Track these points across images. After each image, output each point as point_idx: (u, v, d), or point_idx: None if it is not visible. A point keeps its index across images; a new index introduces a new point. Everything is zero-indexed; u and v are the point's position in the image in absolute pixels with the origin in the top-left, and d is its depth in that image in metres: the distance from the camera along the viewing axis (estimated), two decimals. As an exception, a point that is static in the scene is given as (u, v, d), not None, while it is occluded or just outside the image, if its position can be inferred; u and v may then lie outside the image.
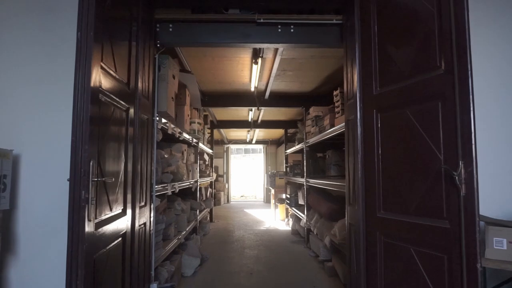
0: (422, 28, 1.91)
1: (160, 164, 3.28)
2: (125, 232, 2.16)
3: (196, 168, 5.31)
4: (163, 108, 2.91)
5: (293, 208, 6.49)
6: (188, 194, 5.28)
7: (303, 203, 5.72)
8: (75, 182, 1.49)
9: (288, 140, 8.41)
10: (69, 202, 1.49)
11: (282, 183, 8.31)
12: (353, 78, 2.52)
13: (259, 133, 11.07)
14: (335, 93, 3.95)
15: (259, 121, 7.86)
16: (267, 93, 5.45)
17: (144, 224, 2.57)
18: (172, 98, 3.14)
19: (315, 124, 4.90)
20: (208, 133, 7.98)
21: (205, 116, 6.70)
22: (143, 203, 2.54)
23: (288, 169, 7.43)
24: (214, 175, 11.75)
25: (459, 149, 1.66)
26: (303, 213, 5.49)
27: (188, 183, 4.68)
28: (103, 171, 1.78)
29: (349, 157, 2.63)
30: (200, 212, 5.84)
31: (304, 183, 5.40)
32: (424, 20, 1.90)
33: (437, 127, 1.79)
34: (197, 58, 3.93)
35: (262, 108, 6.08)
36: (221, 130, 9.60)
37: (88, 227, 1.55)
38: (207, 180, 6.83)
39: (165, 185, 3.31)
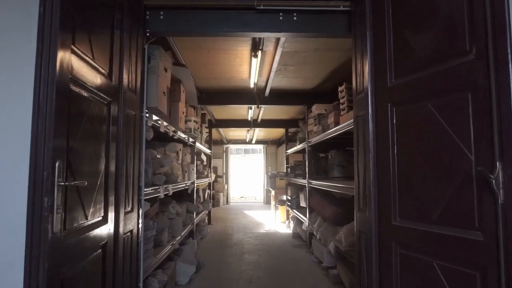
0: (447, 6, 1.65)
1: (151, 164, 3.02)
2: (106, 242, 1.90)
3: (193, 169, 5.05)
4: (153, 104, 2.65)
5: (294, 211, 6.23)
6: (184, 196, 5.02)
7: (305, 206, 5.46)
8: (35, 187, 1.23)
9: (289, 140, 8.15)
10: (27, 211, 1.23)
11: (282, 184, 8.05)
12: (364, 70, 2.26)
13: (259, 133, 10.81)
14: (340, 88, 3.69)
15: (259, 120, 7.61)
16: (267, 90, 5.19)
17: (131, 231, 2.31)
18: (164, 93, 2.88)
19: (318, 122, 4.64)
20: (206, 132, 7.72)
21: (203, 115, 6.43)
22: (129, 208, 2.28)
23: (289, 169, 7.17)
24: (213, 176, 11.50)
25: (496, 147, 1.40)
26: (305, 216, 5.23)
27: (184, 185, 4.42)
28: (75, 173, 1.51)
29: (358, 157, 2.37)
30: (197, 214, 5.58)
31: (306, 184, 5.14)
32: (449, -2, 1.64)
33: (466, 122, 1.53)
34: (192, 51, 3.67)
35: (262, 106, 5.82)
36: (220, 129, 9.34)
37: (53, 241, 1.29)
38: (205, 181, 6.57)
39: (157, 187, 3.05)
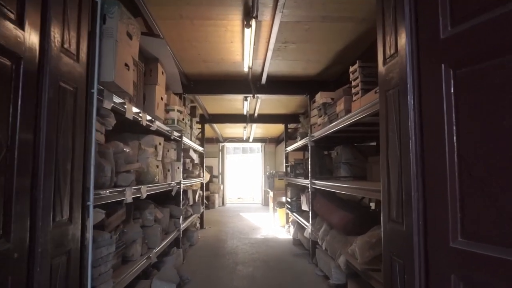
0: None
1: (111, 160, 2.34)
2: (7, 278, 1.22)
3: (179, 167, 4.38)
4: (109, 77, 1.98)
5: (295, 214, 5.56)
6: (170, 198, 4.35)
7: (307, 209, 4.80)
8: None
9: (289, 137, 7.49)
10: None
11: (281, 184, 7.38)
12: (397, 22, 1.59)
13: (256, 130, 10.15)
14: (352, 68, 3.02)
15: (255, 114, 6.94)
16: (264, 77, 4.52)
17: (68, 252, 1.64)
18: (127, 66, 2.20)
19: (323, 113, 3.97)
20: (198, 128, 7.06)
21: (193, 108, 5.77)
22: (64, 218, 1.60)
23: (288, 169, 6.50)
24: (207, 176, 10.83)
25: None
26: (307, 221, 4.56)
27: (167, 186, 3.75)
28: None
29: (388, 148, 1.70)
30: (185, 219, 4.91)
31: (309, 185, 4.46)
32: None
33: None
34: (171, 21, 3.00)
35: (258, 96, 5.15)
36: (214, 126, 8.67)
37: None
38: (195, 181, 5.89)
39: (122, 189, 2.37)
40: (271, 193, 7.86)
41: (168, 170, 3.90)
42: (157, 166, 3.36)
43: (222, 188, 11.85)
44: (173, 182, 4.00)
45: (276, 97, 5.56)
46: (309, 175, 4.44)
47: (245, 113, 6.47)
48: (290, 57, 3.95)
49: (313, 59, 4.01)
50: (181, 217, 4.45)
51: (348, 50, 3.68)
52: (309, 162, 4.46)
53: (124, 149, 2.64)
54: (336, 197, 4.17)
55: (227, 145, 12.94)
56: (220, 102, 6.17)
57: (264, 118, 7.21)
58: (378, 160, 2.29)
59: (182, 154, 4.60)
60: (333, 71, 4.41)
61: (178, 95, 4.33)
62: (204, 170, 9.94)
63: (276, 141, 12.00)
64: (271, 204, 8.04)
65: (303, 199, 5.02)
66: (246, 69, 4.17)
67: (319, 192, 4.29)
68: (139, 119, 2.72)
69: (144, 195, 2.83)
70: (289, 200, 5.99)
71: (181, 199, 4.54)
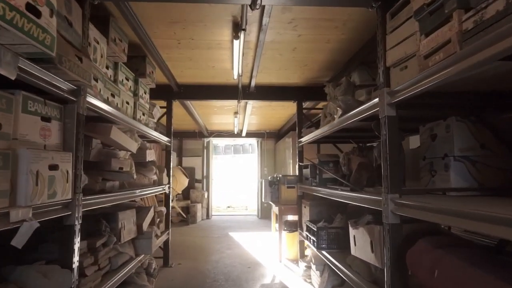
0: None
1: None
2: None
3: (66, 172, 1.78)
4: None
5: (328, 256, 2.99)
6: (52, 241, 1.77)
7: (369, 258, 2.24)
8: None
9: (302, 124, 4.89)
10: None
11: (291, 195, 4.80)
12: None
13: (251, 121, 7.57)
14: None
15: (252, 85, 4.35)
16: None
17: None
18: None
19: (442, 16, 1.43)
20: (163, 107, 4.45)
21: (139, 60, 3.20)
22: None
23: (307, 171, 3.94)
24: (184, 181, 8.21)
25: None
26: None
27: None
28: None
29: None
30: (115, 272, 2.31)
31: (387, 209, 1.87)
32: None
33: None
34: None
35: (260, 40, 2.62)
36: (195, 113, 6.04)
37: None
38: (141, 194, 3.29)
39: None
40: (275, 208, 5.27)
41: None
42: None
43: (206, 196, 9.22)
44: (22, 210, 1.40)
45: (291, 35, 3.01)
46: (387, 184, 1.85)
47: (235, 77, 3.85)
48: None
49: None
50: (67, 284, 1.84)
51: None
52: (386, 155, 1.87)
53: None
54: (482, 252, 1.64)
55: (214, 141, 10.34)
56: (192, 55, 3.58)
57: (265, 92, 4.60)
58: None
59: (81, 139, 1.98)
60: None
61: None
62: (175, 173, 7.30)
63: (276, 135, 9.43)
64: (274, 224, 5.44)
65: (361, 235, 2.42)
66: None
67: (428, 235, 1.72)
68: None
69: None
70: (310, 226, 3.42)
71: (75, 249, 1.91)
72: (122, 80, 2.74)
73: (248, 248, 5.50)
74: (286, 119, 7.40)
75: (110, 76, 2.54)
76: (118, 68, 2.65)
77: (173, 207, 8.19)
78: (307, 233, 3.57)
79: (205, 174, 9.48)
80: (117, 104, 2.54)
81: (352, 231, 2.38)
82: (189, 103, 5.44)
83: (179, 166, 8.78)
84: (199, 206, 8.60)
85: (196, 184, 9.27)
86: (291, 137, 6.87)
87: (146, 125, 3.31)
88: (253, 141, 10.44)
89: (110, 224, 2.48)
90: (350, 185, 2.62)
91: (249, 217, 9.59)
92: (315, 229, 3.19)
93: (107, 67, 2.44)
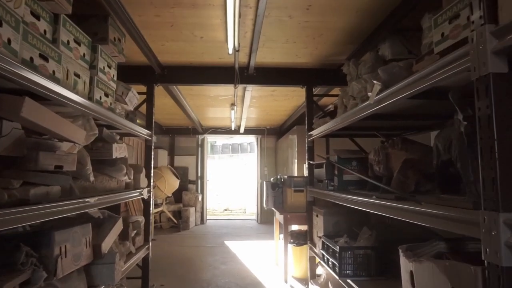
0: None
1: None
2: None
3: None
4: None
5: (352, 285, 2.19)
6: None
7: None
8: None
9: (311, 115, 4.04)
10: None
11: (299, 201, 3.98)
12: None
13: (250, 115, 6.77)
14: None
15: (252, 65, 3.53)
16: None
17: None
18: None
19: None
20: (143, 93, 3.62)
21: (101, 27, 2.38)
22: None
23: (317, 171, 3.12)
24: (175, 182, 7.38)
25: None
26: None
27: None
28: None
29: None
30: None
31: (504, 244, 1.08)
32: None
33: None
34: None
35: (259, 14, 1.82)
36: (180, 95, 5.20)
37: None
38: (101, 202, 2.46)
39: None
40: (279, 216, 4.44)
41: None
42: None
43: (201, 199, 8.39)
44: None
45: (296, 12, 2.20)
46: (493, 195, 1.05)
47: (229, 51, 3.03)
48: None
49: None
50: None
51: None
52: (489, 142, 1.07)
53: None
54: None
55: (211, 139, 9.53)
56: (177, 20, 2.76)
57: (268, 75, 3.77)
58: None
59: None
60: None
61: None
62: (163, 174, 6.50)
63: (277, 132, 8.62)
64: (277, 235, 4.62)
65: (429, 274, 1.59)
66: None
67: None
68: None
69: None
70: (330, 245, 2.59)
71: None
72: (68, 42, 1.91)
73: (247, 262, 4.68)
74: (289, 113, 6.58)
75: (45, 31, 1.72)
76: (59, 22, 1.83)
77: (162, 212, 7.36)
78: (324, 252, 2.75)
79: (199, 174, 8.65)
80: (53, 72, 1.71)
81: (408, 264, 1.56)
82: (177, 91, 4.61)
83: (168, 166, 7.95)
84: (192, 210, 7.77)
85: (190, 185, 8.44)
86: (296, 133, 6.06)
87: (111, 110, 2.49)
88: (252, 138, 9.64)
89: (40, 251, 1.65)
90: (395, 192, 1.80)
91: (248, 222, 8.77)
92: (337, 250, 2.37)
93: (36, 17, 1.62)
